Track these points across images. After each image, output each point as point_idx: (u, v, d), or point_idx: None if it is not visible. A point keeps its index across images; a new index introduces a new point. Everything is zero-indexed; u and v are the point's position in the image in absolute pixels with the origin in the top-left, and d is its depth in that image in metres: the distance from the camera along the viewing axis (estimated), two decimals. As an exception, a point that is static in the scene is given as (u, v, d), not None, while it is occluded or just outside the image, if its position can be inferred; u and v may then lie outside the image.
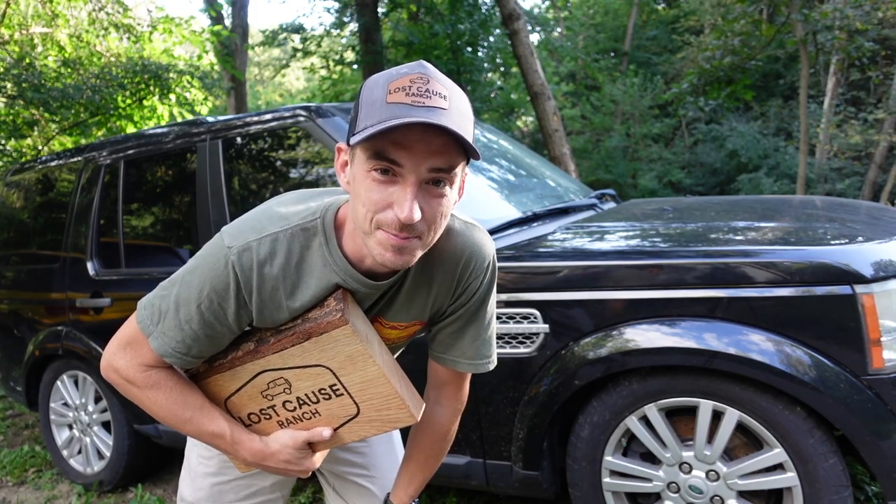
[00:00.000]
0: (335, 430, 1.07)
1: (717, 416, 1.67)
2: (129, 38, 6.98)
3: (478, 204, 2.19)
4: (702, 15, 14.22)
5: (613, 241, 2.02)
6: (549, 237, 2.05)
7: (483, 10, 10.57)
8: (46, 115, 6.26)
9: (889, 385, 1.49)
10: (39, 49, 6.84)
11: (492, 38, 11.46)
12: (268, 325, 1.01)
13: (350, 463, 1.35)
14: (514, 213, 2.27)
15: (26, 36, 6.67)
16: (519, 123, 16.42)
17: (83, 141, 6.78)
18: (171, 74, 6.62)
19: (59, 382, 3.01)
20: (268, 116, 2.45)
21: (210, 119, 2.66)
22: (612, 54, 17.73)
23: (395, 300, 1.06)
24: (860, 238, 1.67)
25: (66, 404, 3.02)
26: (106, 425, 2.91)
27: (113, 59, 6.79)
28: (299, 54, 12.34)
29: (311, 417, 1.07)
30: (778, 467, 1.62)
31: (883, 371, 1.50)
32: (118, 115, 6.67)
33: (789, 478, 1.60)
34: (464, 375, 1.17)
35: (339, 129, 2.25)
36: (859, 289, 1.50)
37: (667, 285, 1.67)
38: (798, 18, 7.16)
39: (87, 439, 2.95)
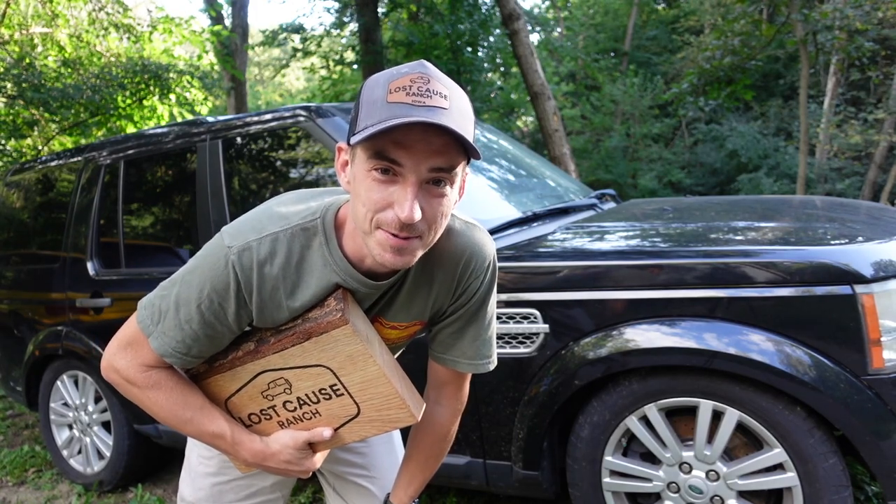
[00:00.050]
0: (336, 430, 1.07)
1: (717, 416, 1.67)
2: (129, 38, 6.98)
3: (478, 204, 2.19)
4: (702, 15, 14.21)
5: (613, 241, 2.02)
6: (549, 237, 2.05)
7: (483, 10, 10.57)
8: (46, 115, 6.26)
9: (889, 385, 1.50)
10: (39, 49, 6.83)
11: (492, 38, 11.46)
12: (268, 324, 1.01)
13: (350, 463, 1.35)
14: (514, 213, 2.27)
15: (26, 36, 6.67)
16: (519, 123, 16.41)
17: (83, 141, 6.77)
18: (171, 74, 6.63)
19: (59, 382, 3.01)
20: (268, 116, 2.45)
21: (210, 119, 2.66)
22: (612, 54, 17.73)
23: (396, 300, 1.06)
24: (860, 238, 1.67)
25: (66, 404, 3.02)
26: (106, 425, 2.91)
27: (113, 59, 6.79)
28: (299, 54, 12.34)
29: (311, 417, 1.07)
30: (778, 467, 1.62)
31: (883, 371, 1.50)
32: (118, 115, 6.67)
33: (789, 478, 1.60)
34: (464, 375, 1.17)
35: (339, 129, 2.25)
36: (859, 289, 1.50)
37: (667, 285, 1.67)
38: (798, 18, 7.15)
39: (87, 439, 2.95)
